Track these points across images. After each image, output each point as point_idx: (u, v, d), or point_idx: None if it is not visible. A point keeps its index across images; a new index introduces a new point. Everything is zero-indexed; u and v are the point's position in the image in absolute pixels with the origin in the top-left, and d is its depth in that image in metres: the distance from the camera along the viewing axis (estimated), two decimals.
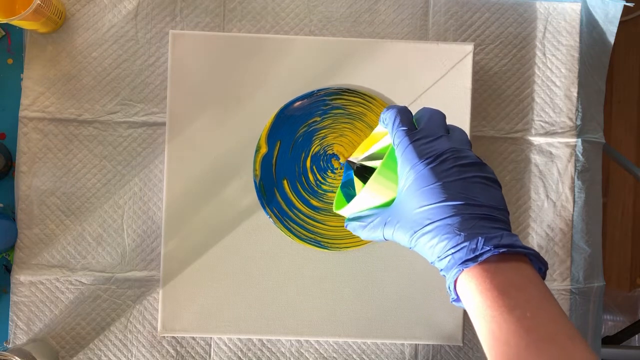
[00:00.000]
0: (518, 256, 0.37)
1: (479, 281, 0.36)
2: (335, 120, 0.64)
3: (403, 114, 0.43)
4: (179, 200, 0.62)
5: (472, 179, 0.39)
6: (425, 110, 0.44)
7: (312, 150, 0.64)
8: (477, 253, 0.36)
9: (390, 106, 0.44)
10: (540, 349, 0.32)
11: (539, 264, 0.38)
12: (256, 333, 0.63)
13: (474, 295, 0.36)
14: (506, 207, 0.40)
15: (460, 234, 0.37)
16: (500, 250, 0.36)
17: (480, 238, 0.36)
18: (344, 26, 0.68)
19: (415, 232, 0.39)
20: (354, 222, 0.46)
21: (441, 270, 0.39)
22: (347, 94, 0.63)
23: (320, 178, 0.63)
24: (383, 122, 0.44)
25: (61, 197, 0.66)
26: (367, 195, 0.44)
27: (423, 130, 0.41)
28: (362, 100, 0.63)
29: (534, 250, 0.37)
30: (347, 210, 0.48)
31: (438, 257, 0.38)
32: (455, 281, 0.38)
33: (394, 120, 0.42)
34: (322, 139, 0.64)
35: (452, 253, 0.37)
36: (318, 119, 0.64)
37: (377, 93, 0.63)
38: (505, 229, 0.38)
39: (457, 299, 0.39)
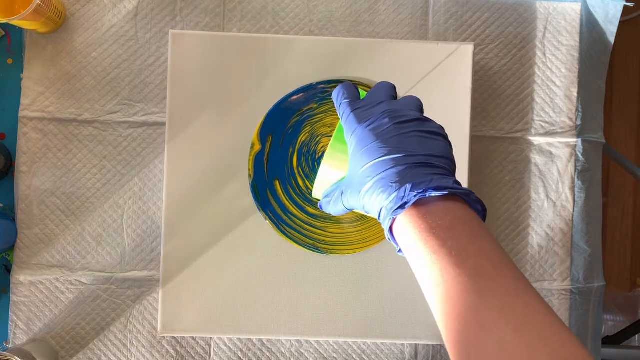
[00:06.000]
0: (453, 197, 0.37)
1: (409, 227, 0.36)
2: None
3: (346, 88, 0.44)
4: (178, 200, 0.62)
5: (409, 134, 0.39)
6: (375, 85, 0.45)
7: (299, 141, 0.62)
8: (405, 200, 0.36)
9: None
10: (466, 284, 0.32)
11: (475, 205, 0.38)
12: (256, 333, 0.63)
13: (406, 240, 0.36)
14: (450, 156, 0.40)
15: (392, 185, 0.37)
16: (429, 194, 0.36)
17: (408, 185, 0.36)
18: (344, 26, 0.68)
19: (359, 193, 0.40)
20: (323, 200, 0.47)
21: (382, 224, 0.39)
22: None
23: (309, 185, 0.63)
24: (333, 100, 0.46)
25: (61, 197, 0.66)
26: (326, 171, 0.45)
27: (364, 100, 0.43)
28: (368, 89, 0.62)
29: (467, 190, 0.37)
30: (316, 191, 0.49)
31: (378, 212, 0.39)
32: (392, 231, 0.38)
33: (338, 95, 0.44)
34: (315, 123, 0.62)
35: (386, 205, 0.37)
36: (314, 105, 0.63)
37: None
38: (441, 174, 0.38)
39: (401, 250, 0.39)
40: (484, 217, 0.38)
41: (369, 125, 0.40)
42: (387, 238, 0.40)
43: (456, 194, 0.37)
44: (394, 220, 0.38)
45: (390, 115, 0.40)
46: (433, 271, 0.34)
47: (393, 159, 0.38)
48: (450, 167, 0.40)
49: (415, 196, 0.36)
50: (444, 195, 0.36)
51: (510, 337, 0.30)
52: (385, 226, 0.38)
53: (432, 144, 0.39)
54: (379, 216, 0.39)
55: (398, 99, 0.44)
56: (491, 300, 0.31)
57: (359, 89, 0.46)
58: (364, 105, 0.42)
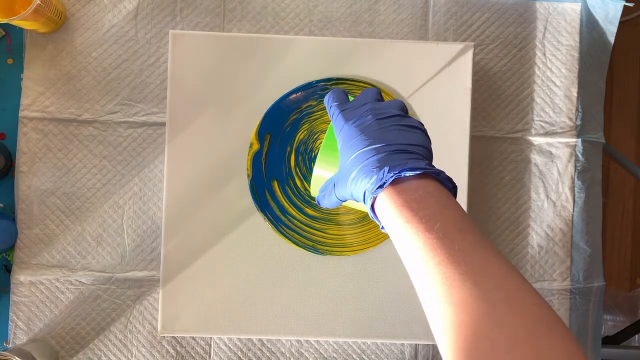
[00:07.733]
0: (426, 176, 0.41)
1: (388, 203, 0.41)
2: None
3: (336, 93, 0.49)
4: (179, 200, 0.62)
5: (389, 127, 0.44)
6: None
7: (297, 139, 0.62)
8: (383, 181, 0.40)
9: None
10: (434, 245, 0.37)
11: (446, 182, 0.42)
12: (256, 333, 0.63)
13: (386, 215, 0.41)
14: (427, 145, 0.44)
15: (373, 170, 0.41)
16: (403, 174, 0.40)
17: (386, 168, 0.41)
18: (344, 26, 0.68)
19: (347, 182, 0.44)
20: (319, 195, 0.51)
21: (365, 204, 0.43)
22: (350, 81, 0.62)
23: (307, 186, 0.63)
24: (325, 104, 0.50)
25: (61, 197, 0.66)
26: (320, 170, 0.49)
27: (351, 102, 0.48)
28: (369, 86, 0.62)
29: (438, 170, 0.42)
30: (313, 191, 0.51)
31: (362, 196, 0.43)
32: (375, 210, 0.43)
33: (328, 99, 0.49)
34: (314, 121, 0.62)
35: (368, 188, 0.42)
36: (313, 102, 0.63)
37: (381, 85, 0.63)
38: (416, 158, 0.42)
39: (384, 227, 0.43)
40: (454, 194, 0.43)
41: (354, 122, 0.45)
42: (370, 217, 0.44)
43: (428, 173, 0.41)
44: (374, 199, 0.42)
45: (373, 112, 0.45)
46: (407, 237, 0.39)
47: (374, 149, 0.42)
48: (426, 154, 0.44)
49: (392, 177, 0.40)
50: (417, 175, 0.41)
51: (470, 285, 0.35)
52: (368, 205, 0.42)
53: (410, 135, 0.44)
54: (364, 199, 0.43)
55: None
56: (455, 256, 0.36)
57: (348, 95, 0.50)
58: (350, 107, 0.47)
